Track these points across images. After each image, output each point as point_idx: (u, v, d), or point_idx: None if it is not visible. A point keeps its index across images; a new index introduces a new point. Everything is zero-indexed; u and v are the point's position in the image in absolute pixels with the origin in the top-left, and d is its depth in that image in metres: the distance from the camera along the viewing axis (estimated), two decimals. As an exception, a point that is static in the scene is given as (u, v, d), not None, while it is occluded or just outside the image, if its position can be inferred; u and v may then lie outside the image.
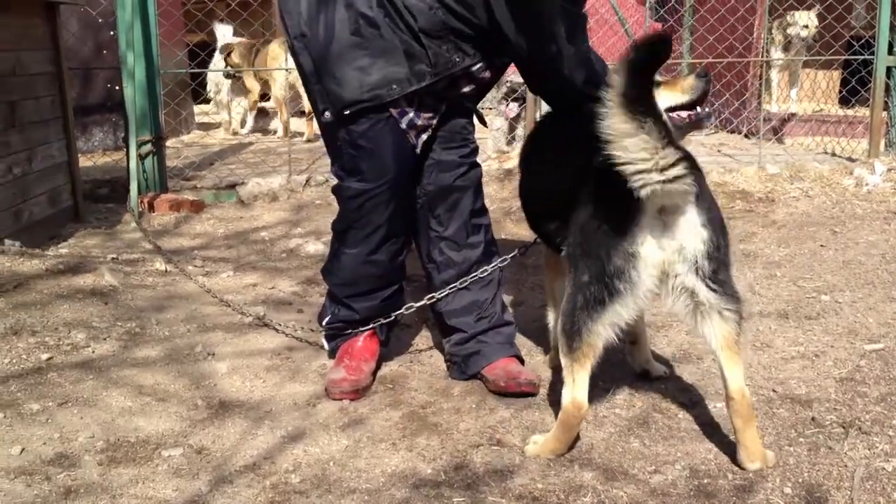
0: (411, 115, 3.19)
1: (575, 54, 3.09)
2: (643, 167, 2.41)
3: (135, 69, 6.33)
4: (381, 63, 3.09)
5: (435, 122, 3.27)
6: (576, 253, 2.75)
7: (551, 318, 3.42)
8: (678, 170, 2.41)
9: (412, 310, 3.53)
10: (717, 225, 2.65)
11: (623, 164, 2.43)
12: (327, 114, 3.19)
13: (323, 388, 3.35)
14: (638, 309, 2.71)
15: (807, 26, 8.57)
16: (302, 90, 8.77)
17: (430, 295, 3.48)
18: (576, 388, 2.74)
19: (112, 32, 8.28)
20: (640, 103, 2.37)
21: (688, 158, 2.42)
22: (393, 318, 3.51)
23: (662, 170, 2.41)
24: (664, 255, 2.61)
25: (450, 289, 3.43)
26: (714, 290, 2.65)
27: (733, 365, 2.69)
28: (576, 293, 2.71)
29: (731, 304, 2.68)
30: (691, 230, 2.60)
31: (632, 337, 3.34)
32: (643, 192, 2.45)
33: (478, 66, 3.20)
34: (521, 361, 3.47)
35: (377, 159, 3.20)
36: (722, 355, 2.70)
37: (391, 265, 3.42)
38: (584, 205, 2.73)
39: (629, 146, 2.40)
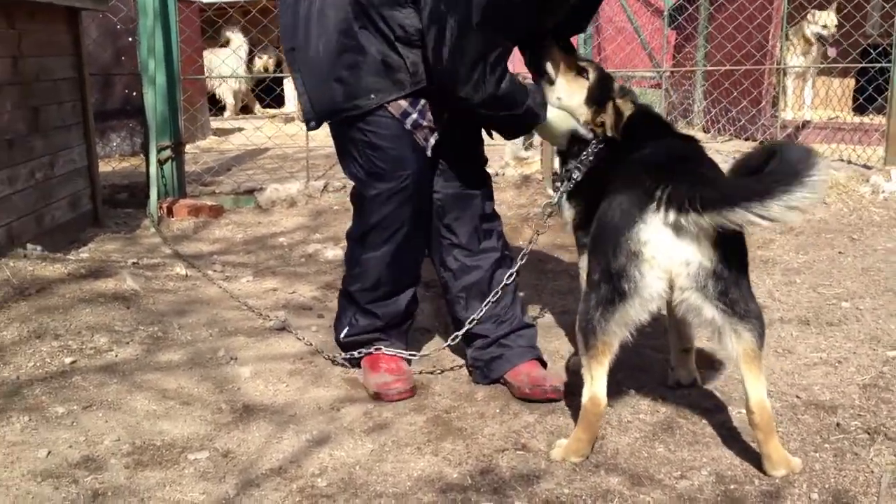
0: (414, 115, 3.23)
1: (476, 78, 3.04)
2: None
3: (156, 75, 6.36)
4: (358, 73, 3.18)
5: (440, 125, 3.30)
6: (590, 248, 2.79)
7: None
8: None
9: (441, 349, 3.62)
10: (731, 242, 2.63)
11: None
12: (312, 123, 3.32)
13: (347, 393, 3.37)
14: (647, 311, 2.70)
15: (826, 25, 8.57)
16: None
17: (458, 333, 3.51)
18: (594, 384, 2.76)
19: (131, 39, 8.35)
20: None
21: None
22: (410, 356, 3.57)
23: None
24: (670, 263, 2.61)
25: (477, 318, 3.45)
26: (722, 310, 2.64)
27: (752, 378, 2.69)
28: (590, 292, 2.75)
29: (745, 322, 2.65)
30: (701, 246, 2.59)
31: (685, 344, 3.34)
32: None
33: None
34: (544, 364, 3.47)
35: (394, 156, 3.26)
36: (742, 368, 2.70)
37: (415, 265, 3.48)
38: (604, 200, 2.75)
39: None
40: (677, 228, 2.57)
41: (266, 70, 11.59)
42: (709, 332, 2.78)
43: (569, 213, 3.30)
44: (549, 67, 3.31)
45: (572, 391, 3.29)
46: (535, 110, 3.24)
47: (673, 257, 2.60)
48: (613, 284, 2.65)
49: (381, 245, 3.39)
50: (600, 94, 3.27)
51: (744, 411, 3.06)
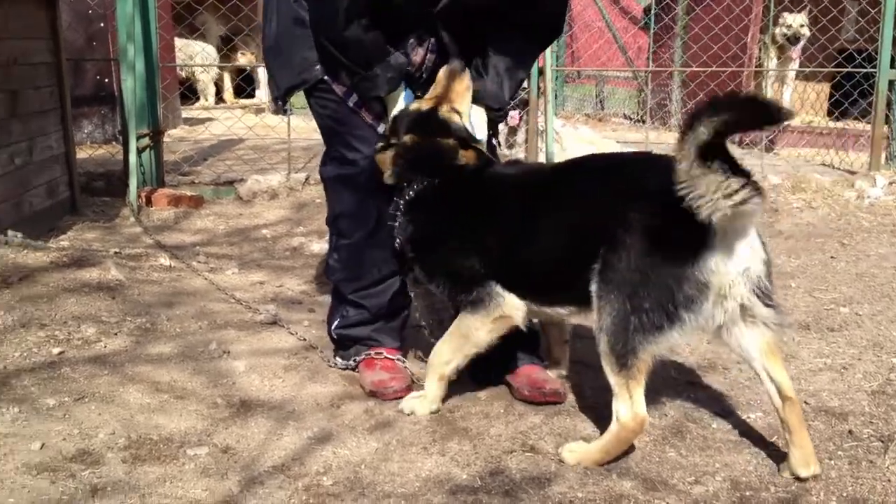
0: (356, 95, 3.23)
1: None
2: (712, 197, 2.44)
3: (135, 62, 6.22)
4: (304, 47, 3.20)
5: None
6: (633, 279, 2.63)
7: None
8: (744, 193, 2.43)
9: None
10: (768, 244, 2.70)
11: (694, 197, 2.46)
12: (279, 102, 3.42)
13: (345, 390, 3.30)
14: (693, 334, 2.71)
15: (790, 26, 8.63)
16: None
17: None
18: (635, 403, 2.69)
19: (102, 24, 8.17)
20: (710, 156, 2.42)
21: (751, 182, 2.45)
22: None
23: (728, 196, 2.42)
24: (729, 278, 2.60)
25: None
26: (769, 306, 2.67)
27: (782, 368, 2.71)
28: (629, 315, 2.64)
29: (780, 316, 2.70)
30: (755, 252, 2.62)
31: (565, 336, 3.47)
32: (714, 217, 2.46)
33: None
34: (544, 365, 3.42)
35: (347, 139, 3.27)
36: (768, 361, 2.70)
37: (392, 255, 3.35)
38: (641, 234, 2.64)
39: (700, 185, 2.44)
40: (732, 240, 2.57)
41: (250, 63, 11.49)
42: (725, 333, 2.73)
43: (432, 285, 3.20)
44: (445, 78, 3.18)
45: (578, 393, 3.26)
46: (377, 82, 3.13)
47: (733, 271, 2.60)
48: (669, 313, 2.60)
49: (353, 232, 3.35)
50: (392, 125, 3.18)
51: (753, 416, 3.07)
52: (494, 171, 3.15)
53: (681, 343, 2.70)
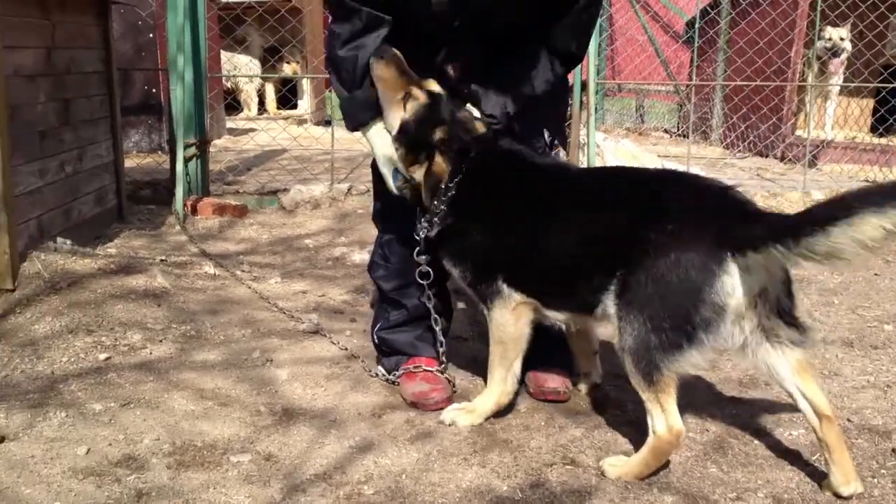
0: None
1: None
2: None
3: (184, 72, 6.32)
4: None
5: None
6: (651, 300, 2.66)
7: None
8: None
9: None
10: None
11: None
12: None
13: (386, 400, 3.32)
14: (713, 353, 2.73)
15: (830, 38, 8.55)
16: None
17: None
18: (669, 416, 2.69)
19: (152, 35, 8.30)
20: None
21: None
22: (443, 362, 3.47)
23: None
24: (747, 299, 2.61)
25: None
26: (791, 325, 2.67)
27: (815, 386, 2.69)
28: (649, 333, 2.66)
29: (805, 334, 2.70)
30: (775, 272, 2.61)
31: (594, 347, 3.46)
32: None
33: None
34: (568, 374, 3.43)
35: None
36: (801, 380, 2.68)
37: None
38: (659, 255, 2.65)
39: None
40: (753, 267, 2.58)
41: (295, 73, 11.63)
42: (751, 353, 2.72)
43: (456, 271, 3.17)
44: (376, 72, 3.08)
45: (619, 407, 3.26)
46: (346, 111, 3.18)
47: (750, 292, 2.60)
48: (688, 333, 2.62)
49: (392, 225, 3.42)
50: (415, 136, 3.10)
51: (795, 433, 3.05)
52: (527, 161, 3.12)
53: (702, 363, 2.69)
